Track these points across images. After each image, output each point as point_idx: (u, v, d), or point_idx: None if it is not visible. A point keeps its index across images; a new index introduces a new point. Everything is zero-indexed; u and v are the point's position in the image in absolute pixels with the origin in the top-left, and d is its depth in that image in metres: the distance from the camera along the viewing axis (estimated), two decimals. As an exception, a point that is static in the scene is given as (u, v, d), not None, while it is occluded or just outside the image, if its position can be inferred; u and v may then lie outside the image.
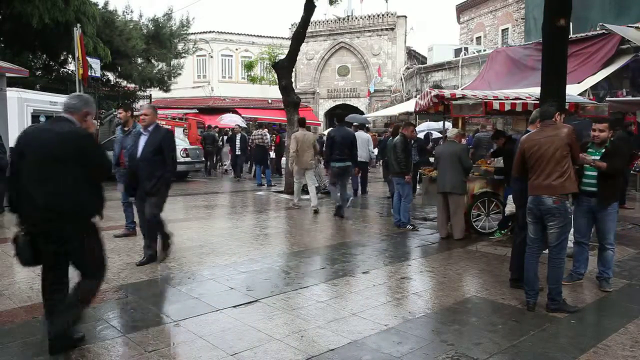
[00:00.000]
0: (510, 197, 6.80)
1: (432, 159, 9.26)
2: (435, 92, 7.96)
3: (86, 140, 3.42)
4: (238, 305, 4.41)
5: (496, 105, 7.17)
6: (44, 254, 3.35)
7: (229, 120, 24.45)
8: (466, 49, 23.65)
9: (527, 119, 5.89)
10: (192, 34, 24.77)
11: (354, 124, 13.92)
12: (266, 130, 15.89)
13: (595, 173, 4.81)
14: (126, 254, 6.17)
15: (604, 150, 4.84)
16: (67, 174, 3.27)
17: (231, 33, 33.32)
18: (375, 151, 14.36)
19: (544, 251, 4.55)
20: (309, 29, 16.23)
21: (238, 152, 16.26)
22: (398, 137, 8.12)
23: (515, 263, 4.91)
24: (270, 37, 33.31)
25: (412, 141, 9.64)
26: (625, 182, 10.14)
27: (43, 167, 3.26)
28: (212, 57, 32.54)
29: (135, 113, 19.58)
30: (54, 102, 13.31)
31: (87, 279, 3.45)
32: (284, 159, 14.48)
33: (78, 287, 3.43)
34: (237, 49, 33.28)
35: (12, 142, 11.68)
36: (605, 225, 4.92)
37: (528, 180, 4.41)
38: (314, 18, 14.78)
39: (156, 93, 23.40)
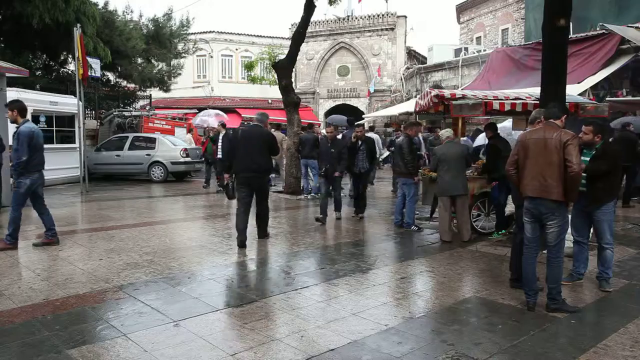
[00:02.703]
0: (510, 197, 6.81)
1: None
2: (435, 92, 7.95)
3: (271, 136, 6.91)
4: (238, 305, 4.41)
5: (496, 105, 7.17)
6: (242, 192, 6.64)
7: (201, 120, 20.65)
8: (466, 49, 23.66)
9: (527, 119, 5.89)
10: (192, 34, 24.73)
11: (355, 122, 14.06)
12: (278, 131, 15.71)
13: (585, 173, 4.81)
14: (126, 254, 6.17)
15: (594, 152, 4.85)
16: (264, 151, 6.58)
17: (231, 33, 33.32)
18: (385, 152, 14.96)
19: (543, 251, 4.55)
20: (309, 29, 16.23)
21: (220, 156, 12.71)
22: (402, 137, 8.11)
23: (515, 263, 4.90)
24: (270, 37, 33.30)
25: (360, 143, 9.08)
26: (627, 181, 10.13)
27: (255, 147, 6.53)
28: (212, 57, 32.54)
29: (134, 113, 19.43)
30: (54, 102, 13.33)
31: (264, 202, 6.90)
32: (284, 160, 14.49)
33: (263, 207, 6.91)
34: (237, 49, 33.28)
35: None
36: (600, 225, 4.92)
37: (521, 179, 4.39)
38: (314, 18, 14.79)
39: (156, 93, 23.39)
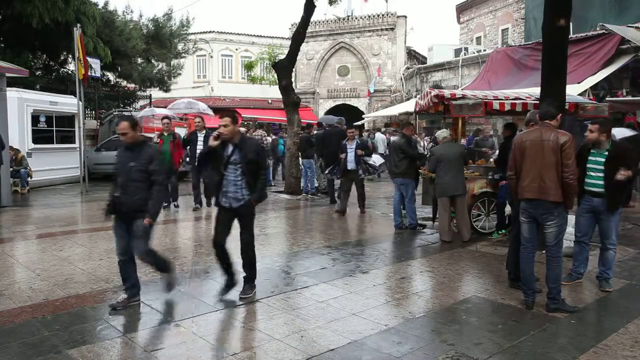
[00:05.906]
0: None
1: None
2: (435, 92, 7.95)
3: (344, 133, 9.51)
4: (238, 305, 4.41)
5: (496, 105, 7.17)
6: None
7: (147, 113, 16.22)
8: (466, 49, 23.62)
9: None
10: (192, 34, 24.71)
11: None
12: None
13: (601, 174, 4.74)
14: (126, 254, 6.16)
15: (607, 153, 4.77)
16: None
17: (231, 33, 33.28)
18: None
19: (541, 251, 4.54)
20: (309, 29, 16.21)
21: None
22: (398, 137, 8.08)
23: (513, 262, 4.89)
24: (270, 37, 33.26)
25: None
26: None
27: (335, 142, 9.44)
28: (212, 57, 32.50)
29: (134, 113, 19.53)
30: (54, 102, 13.32)
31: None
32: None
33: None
34: (237, 49, 33.25)
35: (11, 141, 11.61)
36: (608, 225, 4.88)
37: (519, 181, 4.35)
38: (314, 18, 14.77)
39: (156, 93, 23.37)
